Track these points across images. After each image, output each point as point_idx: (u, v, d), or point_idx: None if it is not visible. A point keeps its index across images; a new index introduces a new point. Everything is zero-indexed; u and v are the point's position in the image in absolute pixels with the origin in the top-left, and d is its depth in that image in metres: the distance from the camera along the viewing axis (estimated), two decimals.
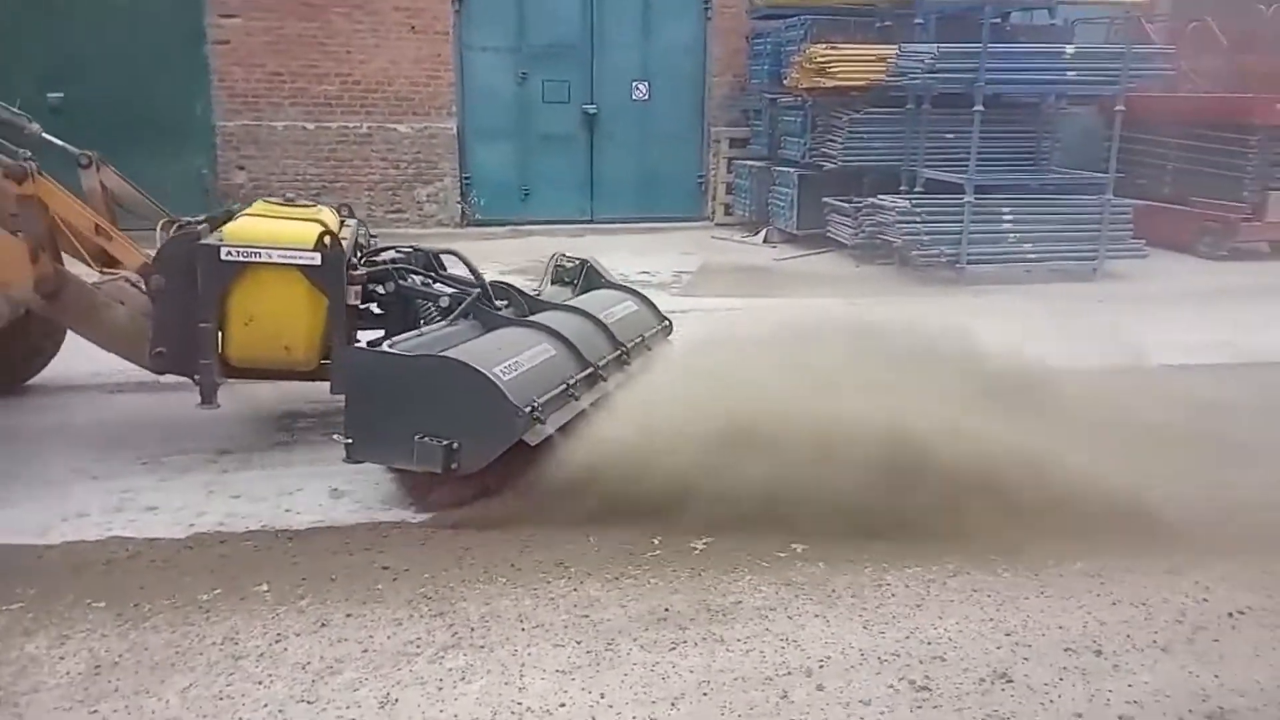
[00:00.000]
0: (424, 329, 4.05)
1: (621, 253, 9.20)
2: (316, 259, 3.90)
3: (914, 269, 8.58)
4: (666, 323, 4.87)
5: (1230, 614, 3.07)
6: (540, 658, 2.74)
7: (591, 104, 11.45)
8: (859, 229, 8.96)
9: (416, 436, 3.45)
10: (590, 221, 11.55)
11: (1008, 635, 2.92)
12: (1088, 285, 8.38)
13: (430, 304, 4.26)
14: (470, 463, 3.51)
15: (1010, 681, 2.68)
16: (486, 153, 11.31)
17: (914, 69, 8.27)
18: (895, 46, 8.69)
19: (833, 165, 9.35)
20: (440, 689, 2.59)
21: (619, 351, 4.26)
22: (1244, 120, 9.36)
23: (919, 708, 2.56)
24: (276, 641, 2.79)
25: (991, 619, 3.01)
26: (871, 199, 8.84)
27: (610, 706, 2.53)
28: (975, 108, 8.15)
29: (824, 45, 9.07)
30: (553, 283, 4.96)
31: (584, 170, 11.64)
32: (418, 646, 2.79)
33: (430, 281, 4.38)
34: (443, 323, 4.10)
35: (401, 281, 4.26)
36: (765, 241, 10.48)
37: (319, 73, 10.61)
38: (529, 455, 3.50)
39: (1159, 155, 10.18)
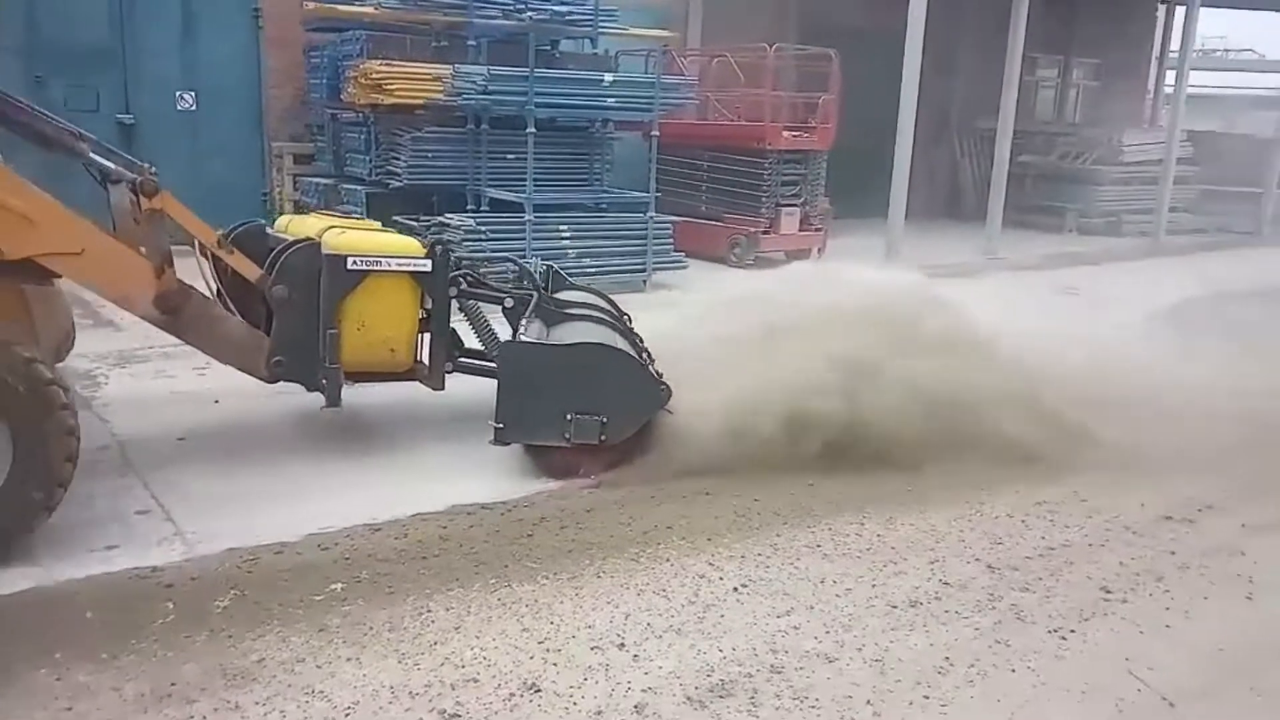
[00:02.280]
0: (521, 326, 4.53)
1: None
2: (428, 265, 4.29)
3: None
4: (627, 315, 5.18)
5: (735, 589, 3.42)
6: None
7: (127, 114, 10.24)
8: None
9: (569, 415, 4.13)
10: None
11: (540, 643, 3.00)
12: (641, 295, 9.08)
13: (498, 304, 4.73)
14: (617, 433, 4.28)
15: (539, 691, 2.75)
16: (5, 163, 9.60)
17: (468, 90, 8.40)
18: (450, 66, 8.77)
19: (399, 183, 9.22)
20: None
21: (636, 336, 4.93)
22: (758, 145, 10.76)
23: None
24: None
25: (527, 629, 3.08)
26: (439, 217, 8.84)
27: None
28: (528, 130, 8.47)
29: (380, 61, 8.89)
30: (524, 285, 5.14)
31: None
32: None
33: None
34: (524, 320, 4.57)
35: (472, 286, 4.63)
36: None
37: None
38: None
39: (694, 176, 11.37)
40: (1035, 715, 2.75)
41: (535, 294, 4.81)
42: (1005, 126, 12.21)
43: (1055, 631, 3.21)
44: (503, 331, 4.78)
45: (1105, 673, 2.98)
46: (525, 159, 8.67)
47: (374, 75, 8.73)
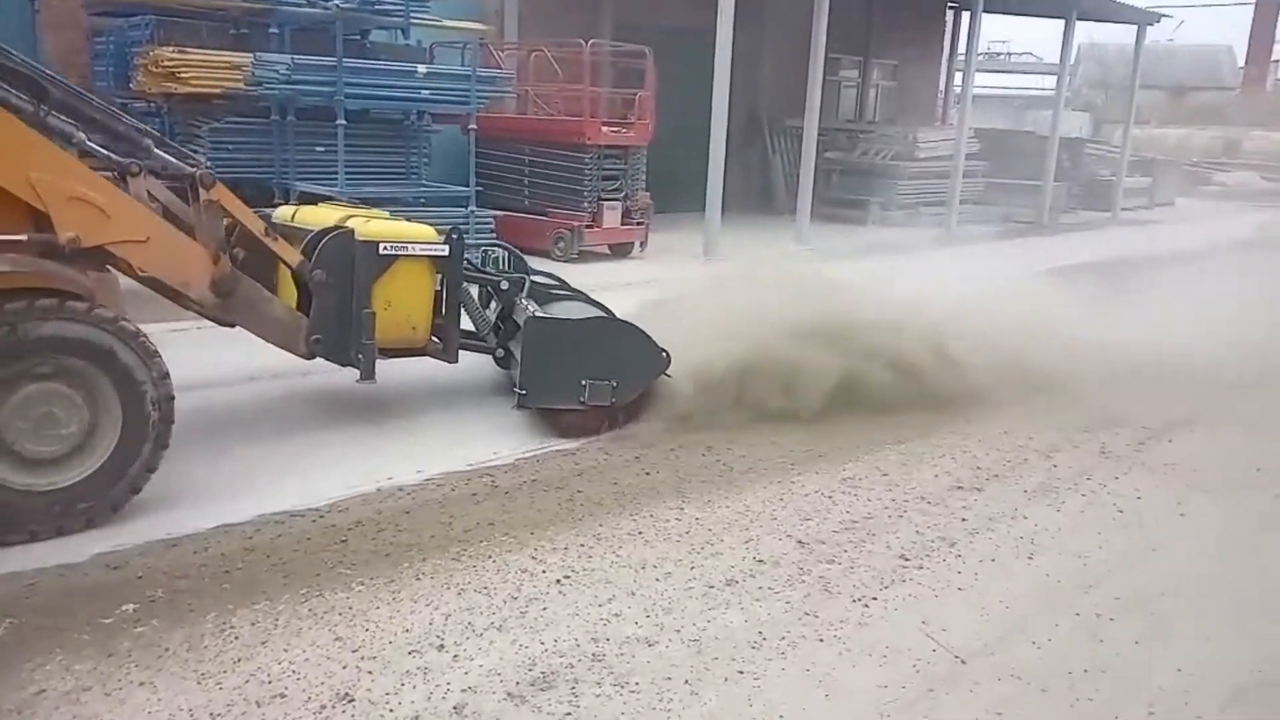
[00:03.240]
0: (521, 303, 5.09)
1: None
2: (446, 250, 4.74)
3: None
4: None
5: (558, 581, 3.43)
6: None
7: None
8: None
9: (584, 381, 4.74)
10: None
11: (354, 651, 2.90)
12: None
13: (489, 287, 5.39)
14: (626, 395, 4.93)
15: (352, 700, 2.66)
16: None
17: (271, 79, 8.03)
18: (251, 55, 8.34)
19: None
20: None
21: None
22: (578, 140, 10.80)
23: None
24: None
25: (340, 638, 2.97)
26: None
27: None
28: (338, 121, 8.17)
29: (172, 48, 8.35)
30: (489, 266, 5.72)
31: None
32: None
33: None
34: (519, 299, 5.15)
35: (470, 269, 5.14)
36: None
37: None
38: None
39: (516, 170, 11.28)
40: (841, 681, 2.90)
41: (525, 277, 5.41)
42: (811, 125, 12.79)
43: (859, 600, 3.39)
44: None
45: (904, 636, 3.17)
46: (336, 151, 8.36)
47: (165, 63, 8.22)
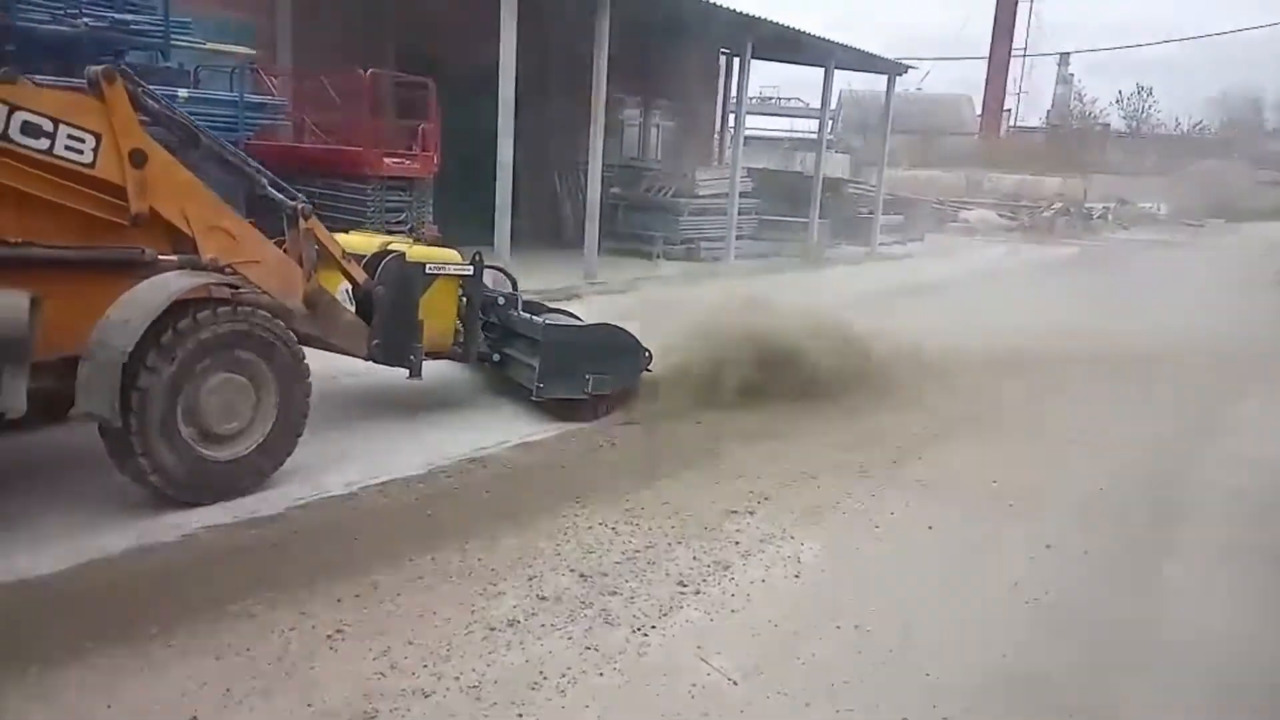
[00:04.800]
0: (528, 316, 6.24)
1: None
2: (470, 270, 5.94)
3: None
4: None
5: (329, 636, 3.27)
6: None
7: None
8: None
9: (588, 375, 5.93)
10: None
11: None
12: None
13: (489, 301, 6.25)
14: (620, 386, 6.20)
15: None
16: None
17: None
18: None
19: None
20: None
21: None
22: (360, 171, 10.50)
23: None
24: None
25: None
26: None
27: None
28: None
29: None
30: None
31: None
32: None
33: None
34: (519, 312, 6.28)
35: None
36: None
37: None
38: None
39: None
40: (620, 713, 2.94)
41: (517, 294, 6.48)
42: (595, 162, 13.08)
43: (638, 630, 3.46)
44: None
45: (681, 662, 3.26)
46: None
47: None
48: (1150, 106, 54.44)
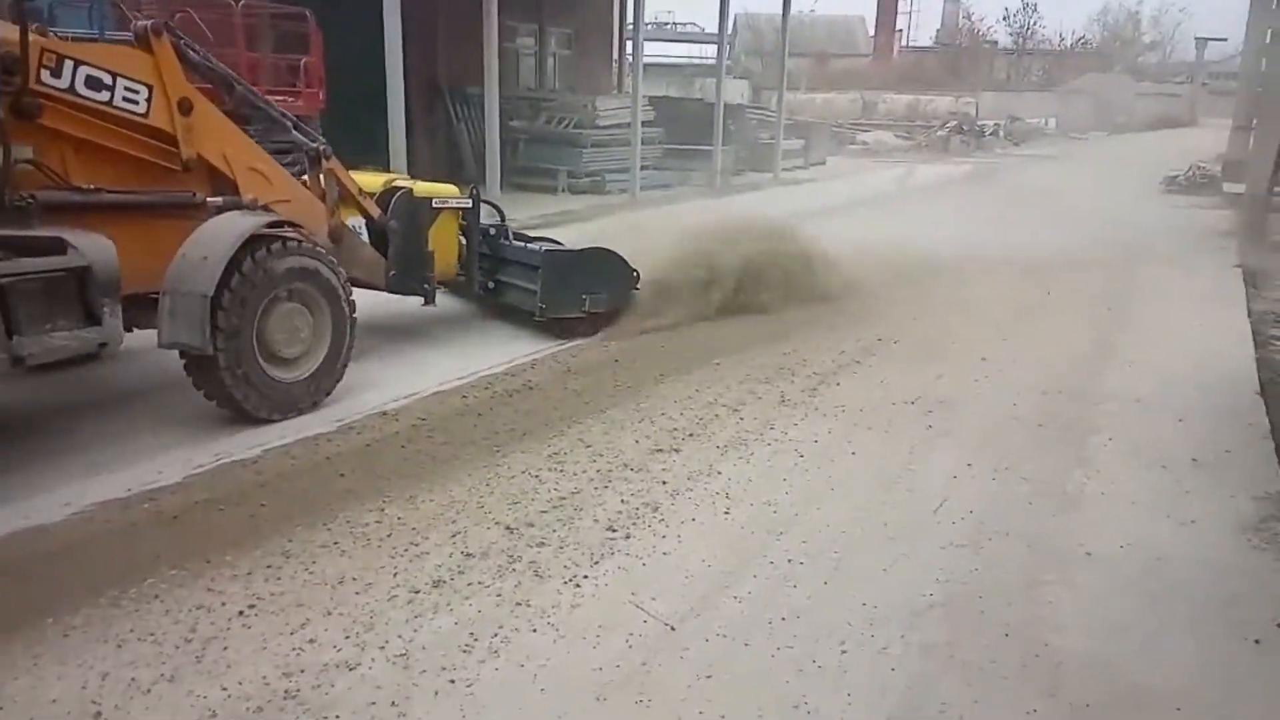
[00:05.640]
0: (520, 244, 6.87)
1: None
2: (469, 203, 6.51)
3: None
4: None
5: (241, 613, 3.07)
6: None
7: None
8: None
9: (584, 296, 6.59)
10: None
11: None
12: None
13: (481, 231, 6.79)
14: (614, 304, 6.80)
15: None
16: None
17: None
18: None
19: None
20: None
21: None
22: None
23: None
24: None
25: None
26: None
27: None
28: None
29: None
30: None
31: None
32: None
33: None
34: (511, 241, 6.90)
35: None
36: None
37: None
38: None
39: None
40: (556, 671, 2.83)
41: (506, 225, 6.95)
42: (491, 92, 12.60)
43: (570, 581, 3.35)
44: None
45: (615, 611, 3.16)
46: None
47: None
48: (1035, 23, 55.60)
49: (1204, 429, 5.10)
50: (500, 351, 6.32)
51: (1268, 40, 13.81)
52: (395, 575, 3.35)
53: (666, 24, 45.00)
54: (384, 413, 5.04)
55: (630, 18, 19.51)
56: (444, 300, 6.78)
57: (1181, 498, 4.23)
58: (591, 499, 4.06)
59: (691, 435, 4.86)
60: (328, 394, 5.05)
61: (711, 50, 23.60)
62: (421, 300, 6.26)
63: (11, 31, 4.10)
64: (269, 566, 3.38)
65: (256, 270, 4.58)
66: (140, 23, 4.70)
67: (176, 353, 4.60)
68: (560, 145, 16.10)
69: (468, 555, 3.51)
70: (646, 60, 17.69)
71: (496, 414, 5.10)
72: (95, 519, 3.73)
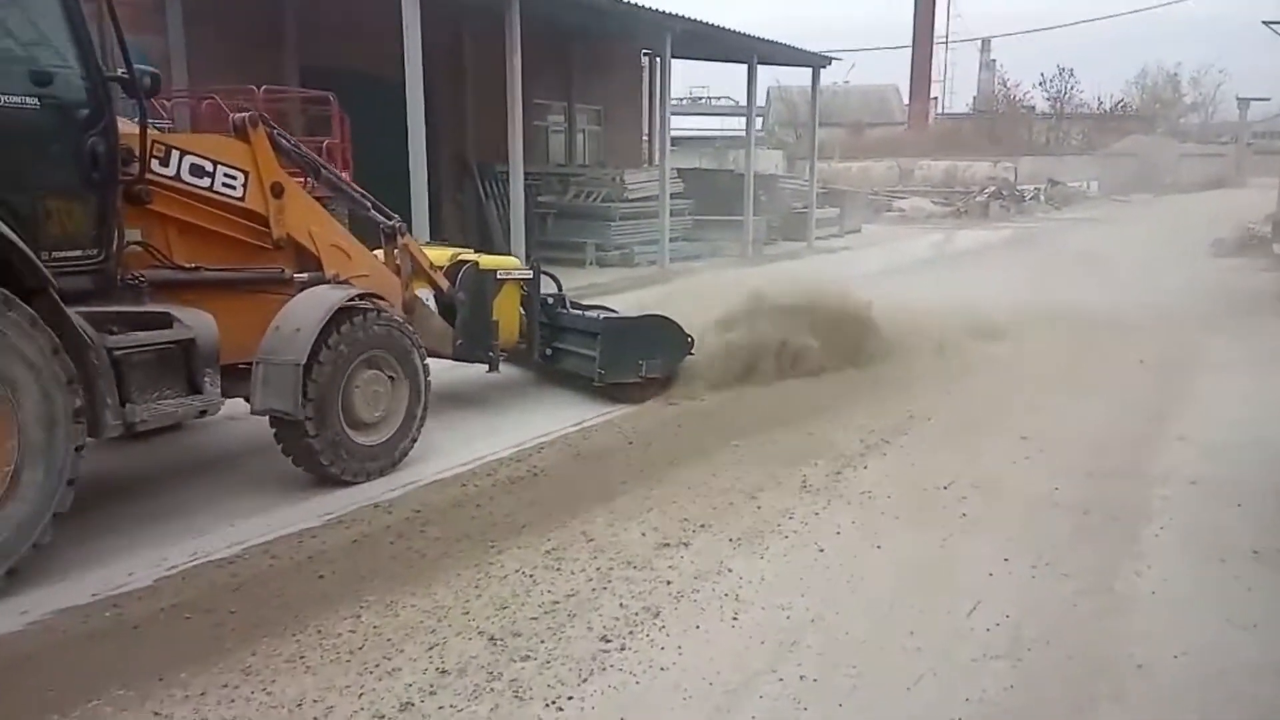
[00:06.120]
0: (578, 312, 7.23)
1: None
2: (530, 274, 6.86)
3: None
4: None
5: None
6: None
7: None
8: None
9: (641, 361, 6.78)
10: None
11: None
12: None
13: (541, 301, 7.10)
14: (669, 370, 7.03)
15: None
16: None
17: None
18: None
19: None
20: None
21: None
22: None
23: None
24: None
25: None
26: None
27: None
28: None
29: None
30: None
31: None
32: None
33: None
34: (569, 309, 7.24)
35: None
36: None
37: None
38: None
39: None
40: None
41: (564, 295, 7.27)
42: (516, 169, 12.59)
43: (552, 704, 3.00)
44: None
45: None
46: None
47: None
48: (1072, 87, 55.40)
49: (1266, 514, 4.65)
50: (549, 419, 6.50)
51: None
52: (360, 696, 3.04)
53: (700, 98, 45.65)
54: (376, 505, 4.78)
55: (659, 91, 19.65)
56: (504, 367, 6.94)
57: (1243, 596, 3.79)
58: (587, 603, 3.72)
59: (703, 526, 4.52)
60: (404, 455, 5.28)
61: (744, 123, 23.61)
62: (486, 367, 6.51)
63: (131, 127, 4.38)
64: (224, 686, 3.08)
65: (343, 341, 4.86)
66: (239, 115, 5.08)
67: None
68: (588, 219, 16.07)
69: (443, 672, 3.19)
70: (679, 134, 17.79)
71: (497, 503, 4.81)
72: (53, 628, 3.47)
